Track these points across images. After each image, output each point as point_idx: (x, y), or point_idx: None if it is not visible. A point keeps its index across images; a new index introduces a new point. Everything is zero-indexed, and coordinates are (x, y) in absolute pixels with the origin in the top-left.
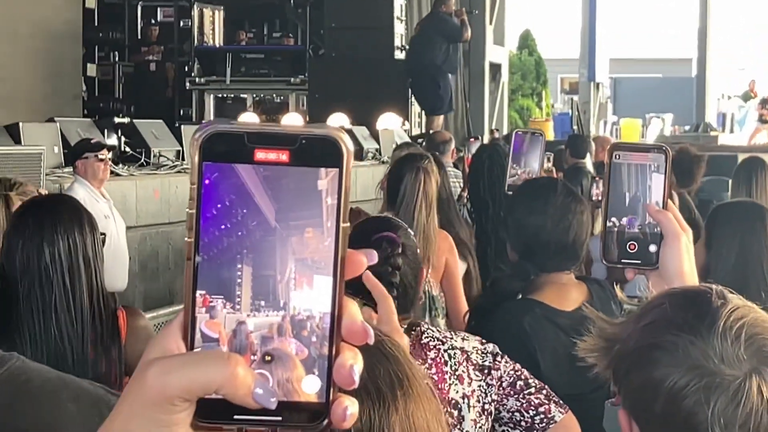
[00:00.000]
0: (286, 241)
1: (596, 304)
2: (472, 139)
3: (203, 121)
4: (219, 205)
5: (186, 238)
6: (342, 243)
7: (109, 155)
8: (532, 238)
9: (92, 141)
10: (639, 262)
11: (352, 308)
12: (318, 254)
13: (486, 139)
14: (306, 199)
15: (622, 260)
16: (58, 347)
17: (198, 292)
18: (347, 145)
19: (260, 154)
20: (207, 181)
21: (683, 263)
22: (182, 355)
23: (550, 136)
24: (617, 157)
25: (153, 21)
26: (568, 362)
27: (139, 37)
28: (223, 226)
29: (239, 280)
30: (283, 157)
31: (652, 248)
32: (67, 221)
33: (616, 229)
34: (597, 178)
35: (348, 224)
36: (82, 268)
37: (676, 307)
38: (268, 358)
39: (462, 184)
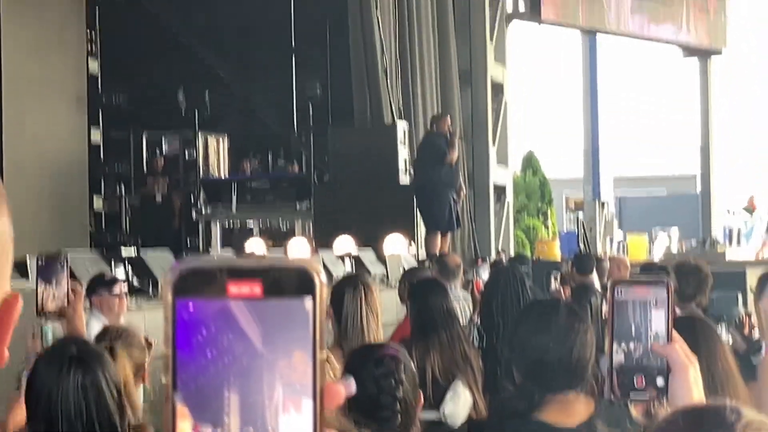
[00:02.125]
0: (262, 372)
1: (603, 418)
2: (479, 261)
3: (175, 262)
4: (195, 341)
5: (162, 380)
6: (320, 373)
7: (125, 290)
8: (536, 358)
9: (107, 277)
10: (647, 396)
11: None
12: (294, 385)
13: (492, 259)
14: (281, 331)
15: (630, 395)
16: None
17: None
18: (320, 275)
19: (233, 288)
20: (181, 319)
21: (692, 395)
22: None
23: (557, 255)
24: (619, 293)
25: (158, 153)
26: None
27: (145, 169)
28: (200, 362)
29: (226, 409)
30: (257, 289)
31: (660, 382)
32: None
33: (622, 363)
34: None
35: (325, 354)
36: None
37: (690, 423)
38: None
39: (471, 307)
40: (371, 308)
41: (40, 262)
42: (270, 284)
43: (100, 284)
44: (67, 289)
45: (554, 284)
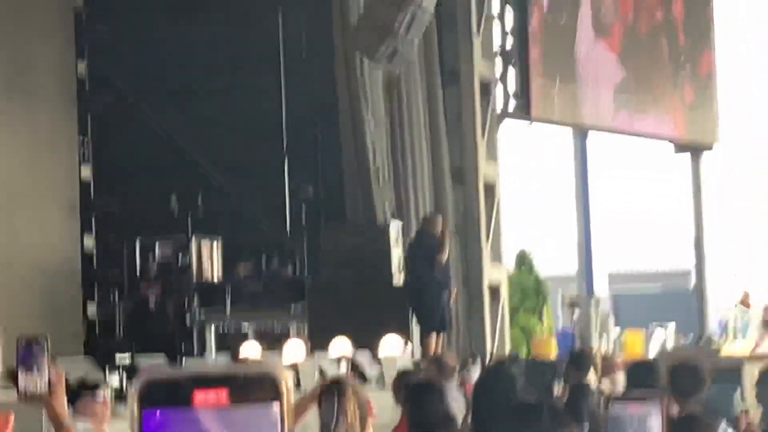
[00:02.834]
0: None
1: None
2: (471, 363)
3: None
4: None
5: None
6: None
7: (107, 395)
8: None
9: (89, 381)
10: None
11: None
12: None
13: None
14: None
15: None
16: None
17: None
18: (286, 380)
19: (200, 397)
20: (147, 429)
21: None
22: None
23: (554, 353)
24: (614, 409)
25: (151, 258)
26: None
27: (138, 274)
28: None
29: None
30: (223, 396)
31: None
32: None
33: None
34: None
35: None
36: None
37: None
38: None
39: (464, 407)
40: (357, 412)
41: (20, 344)
42: (236, 391)
43: (84, 389)
44: (48, 372)
45: (558, 389)
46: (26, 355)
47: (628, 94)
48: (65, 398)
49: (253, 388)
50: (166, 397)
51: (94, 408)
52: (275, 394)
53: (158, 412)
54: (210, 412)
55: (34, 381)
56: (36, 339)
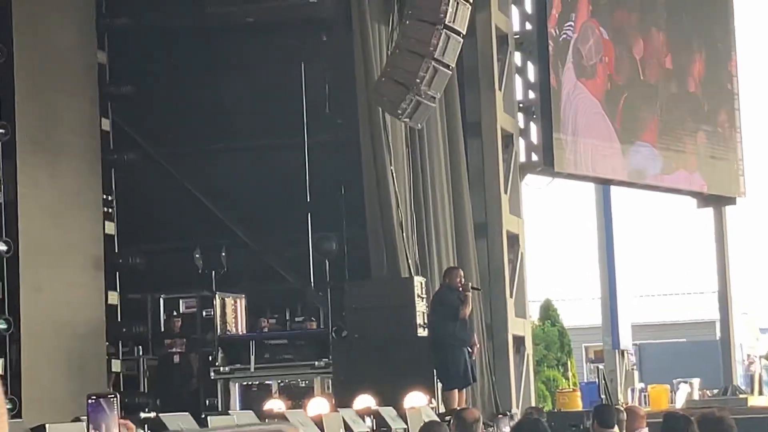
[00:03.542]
0: None
1: None
2: (500, 416)
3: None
4: None
5: None
6: None
7: None
8: None
9: None
10: None
11: None
12: None
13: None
14: None
15: None
16: None
17: None
18: None
19: None
20: None
21: None
22: None
23: (579, 406)
24: None
25: (175, 313)
26: None
27: (162, 329)
28: None
29: None
30: None
31: None
32: None
33: None
34: None
35: None
36: None
37: None
38: None
39: None
40: None
41: (90, 402)
42: None
43: None
44: (117, 429)
45: None
46: (95, 411)
47: (650, 149)
48: None
49: None
50: None
51: None
52: None
53: None
54: None
55: None
56: (105, 396)
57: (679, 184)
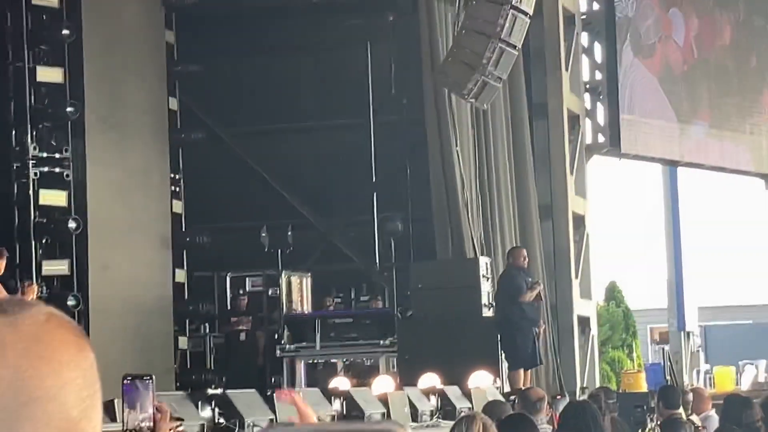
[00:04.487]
0: None
1: None
2: (558, 397)
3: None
4: None
5: None
6: None
7: (180, 427)
8: None
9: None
10: None
11: None
12: None
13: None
14: None
15: None
16: None
17: None
18: None
19: None
20: None
21: None
22: None
23: (643, 387)
24: None
25: (242, 292)
26: None
27: (229, 307)
28: None
29: None
30: None
31: None
32: None
33: None
34: (701, 428)
35: None
36: None
37: None
38: None
39: None
40: None
41: (125, 383)
42: None
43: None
44: (153, 409)
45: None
46: (130, 392)
47: (718, 129)
48: None
49: None
50: None
51: None
52: None
53: None
54: None
55: (137, 418)
56: (141, 377)
57: (740, 165)
